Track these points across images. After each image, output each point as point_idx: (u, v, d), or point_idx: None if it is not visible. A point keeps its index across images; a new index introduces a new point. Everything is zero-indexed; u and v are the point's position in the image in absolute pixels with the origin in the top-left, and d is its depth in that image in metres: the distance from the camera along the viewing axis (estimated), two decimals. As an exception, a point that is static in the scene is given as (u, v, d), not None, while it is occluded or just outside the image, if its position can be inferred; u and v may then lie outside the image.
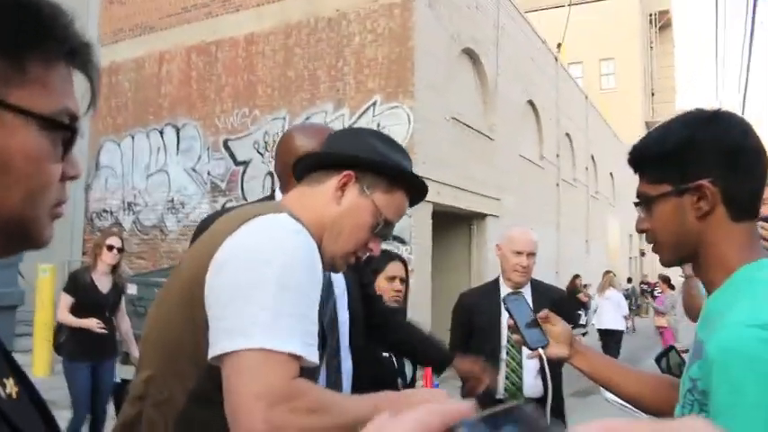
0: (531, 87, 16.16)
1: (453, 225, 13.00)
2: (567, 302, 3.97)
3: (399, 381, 2.84)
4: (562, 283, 13.29)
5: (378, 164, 1.51)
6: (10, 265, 8.16)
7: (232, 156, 12.43)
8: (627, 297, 14.08)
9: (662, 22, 40.34)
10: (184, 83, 13.28)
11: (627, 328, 12.77)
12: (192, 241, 1.84)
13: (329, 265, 1.50)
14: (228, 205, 11.72)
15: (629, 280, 25.73)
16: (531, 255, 3.31)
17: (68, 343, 5.24)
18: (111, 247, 5.40)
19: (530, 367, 3.18)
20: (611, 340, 11.61)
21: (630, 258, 30.29)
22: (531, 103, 16.39)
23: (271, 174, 11.74)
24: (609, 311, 11.86)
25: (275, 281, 1.22)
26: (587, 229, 21.92)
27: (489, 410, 0.32)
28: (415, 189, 1.58)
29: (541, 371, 3.04)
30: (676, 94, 42.22)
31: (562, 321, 1.65)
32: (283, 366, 1.16)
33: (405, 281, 2.97)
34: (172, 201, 13.15)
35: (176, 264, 1.54)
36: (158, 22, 13.73)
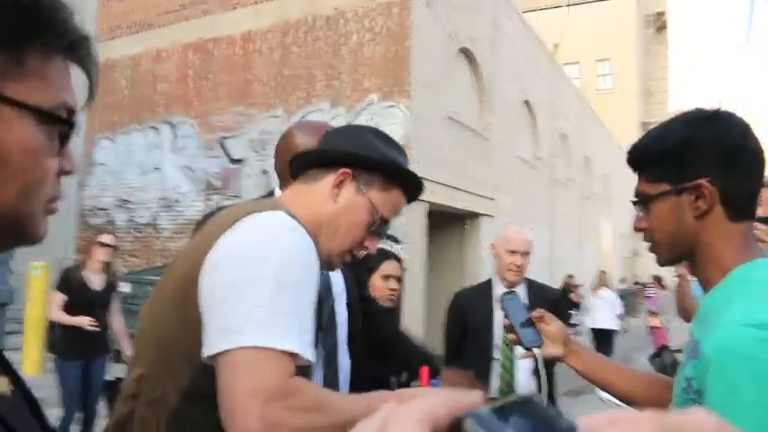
0: (527, 87, 16.17)
1: (447, 224, 13.00)
2: (561, 302, 3.98)
3: (394, 379, 2.84)
4: (555, 284, 13.30)
5: (375, 161, 1.51)
6: (1, 263, 8.12)
7: (227, 154, 12.39)
8: (622, 297, 14.12)
9: (659, 24, 40.43)
10: (181, 80, 13.23)
11: (620, 328, 12.82)
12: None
13: (325, 263, 1.50)
14: (223, 204, 11.71)
15: (624, 280, 25.78)
16: (526, 254, 3.31)
17: (61, 341, 5.22)
18: (103, 245, 5.39)
19: (523, 366, 3.19)
20: (604, 340, 11.65)
21: (623, 259, 30.33)
22: (526, 103, 16.40)
23: (266, 172, 11.72)
24: (602, 311, 11.90)
25: (272, 278, 1.21)
26: (581, 230, 21.95)
27: (499, 401, 0.32)
28: (411, 186, 1.58)
29: (535, 370, 3.05)
30: (669, 96, 42.26)
31: (557, 320, 1.66)
32: (280, 364, 1.16)
33: (400, 280, 2.97)
34: (166, 199, 13.11)
35: (170, 262, 1.53)
36: (156, 19, 13.68)
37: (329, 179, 1.49)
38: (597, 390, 1.58)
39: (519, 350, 1.71)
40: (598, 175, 24.78)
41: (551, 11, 35.22)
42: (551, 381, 3.06)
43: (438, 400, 0.32)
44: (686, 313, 3.50)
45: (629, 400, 1.52)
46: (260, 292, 1.20)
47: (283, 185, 2.05)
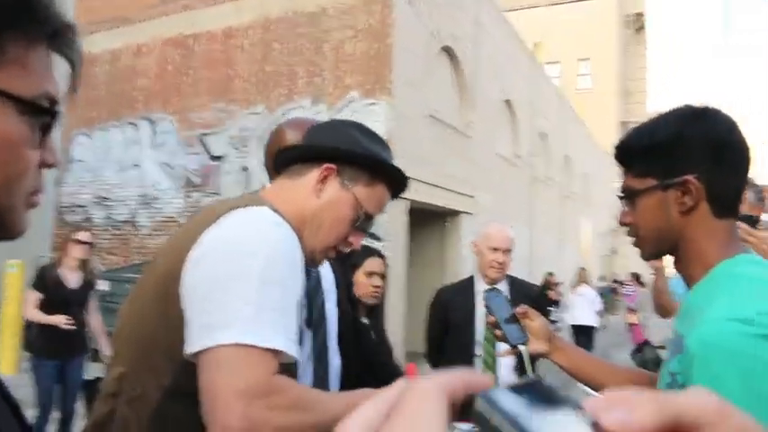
0: (508, 86, 16.24)
1: (428, 222, 13.03)
2: (541, 299, 4.01)
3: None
4: (535, 281, 13.37)
5: (359, 156, 1.50)
6: (-25, 261, 8.00)
7: (207, 151, 12.32)
8: (601, 295, 14.25)
9: (638, 25, 40.78)
10: (160, 76, 13.12)
11: (599, 324, 12.93)
12: None
13: (309, 259, 1.49)
14: (203, 201, 11.65)
15: (603, 278, 26.01)
16: (508, 251, 3.33)
17: (37, 340, 5.15)
18: (79, 242, 5.31)
19: (505, 363, 3.20)
20: (583, 336, 11.74)
21: (602, 257, 30.60)
22: (507, 101, 16.47)
23: (246, 169, 11.67)
24: (582, 308, 12.00)
25: (257, 274, 1.20)
26: (560, 228, 22.11)
27: (509, 384, 0.33)
28: (396, 182, 1.58)
29: (517, 367, 3.06)
30: (647, 96, 42.67)
31: (540, 317, 1.66)
32: (263, 362, 1.15)
33: (384, 277, 2.96)
34: (145, 196, 12.99)
35: (149, 260, 1.51)
36: (135, 13, 13.54)
37: (313, 174, 1.47)
38: (579, 385, 1.58)
39: (501, 347, 1.70)
40: (578, 175, 24.97)
41: (532, 10, 35.41)
42: (534, 377, 3.07)
43: (454, 376, 0.33)
44: (663, 309, 3.53)
45: None
46: (244, 288, 1.19)
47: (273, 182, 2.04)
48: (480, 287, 3.35)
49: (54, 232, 13.12)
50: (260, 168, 11.20)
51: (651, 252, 1.30)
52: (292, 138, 1.97)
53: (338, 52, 10.98)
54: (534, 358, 1.65)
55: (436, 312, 3.51)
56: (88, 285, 5.39)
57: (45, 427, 5.15)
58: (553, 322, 12.95)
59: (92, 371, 5.52)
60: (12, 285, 8.74)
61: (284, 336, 1.19)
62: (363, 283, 2.81)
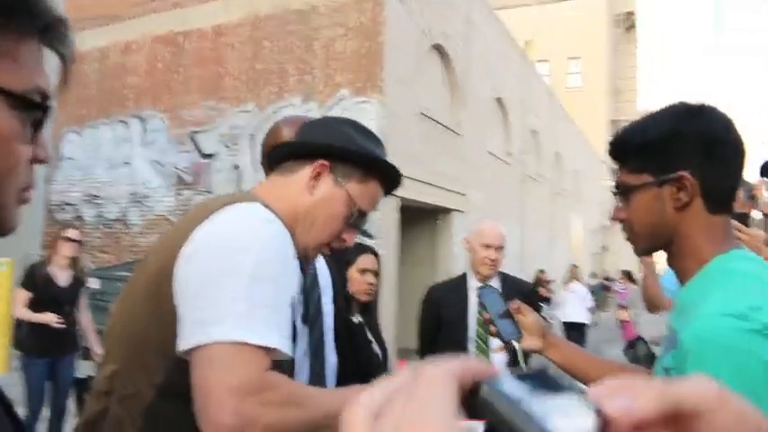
0: (498, 84, 16.26)
1: (419, 220, 13.04)
2: (533, 295, 4.02)
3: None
4: (526, 279, 13.39)
5: (352, 153, 1.49)
6: (-37, 260, 7.92)
7: (198, 148, 12.27)
8: (592, 292, 14.31)
9: (628, 24, 40.92)
10: (150, 74, 13.06)
11: (591, 321, 12.98)
12: None
13: (302, 256, 1.48)
14: (195, 199, 11.61)
15: (594, 275, 26.12)
16: (500, 248, 3.34)
17: (27, 338, 5.12)
18: (68, 240, 5.28)
19: (498, 359, 3.20)
20: (575, 333, 11.78)
21: (593, 254, 30.72)
22: (498, 99, 16.49)
23: (237, 167, 11.63)
24: (573, 304, 12.05)
25: (250, 271, 1.19)
26: (551, 226, 22.17)
27: (513, 372, 0.34)
28: (389, 179, 1.57)
29: (511, 363, 3.06)
30: (638, 95, 42.84)
31: (533, 312, 1.66)
32: (255, 359, 1.14)
33: (377, 274, 2.96)
34: (135, 194, 12.94)
35: (140, 258, 1.50)
36: (124, 11, 13.46)
37: (306, 171, 1.47)
38: (573, 381, 1.58)
39: (493, 343, 1.70)
40: (568, 172, 25.05)
41: (523, 8, 35.47)
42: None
43: (461, 363, 0.33)
44: (652, 303, 3.52)
45: None
46: (237, 284, 1.18)
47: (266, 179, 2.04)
48: (473, 284, 3.35)
49: (44, 230, 13.04)
50: (251, 166, 11.18)
51: (645, 248, 1.31)
52: (288, 135, 1.97)
53: (329, 50, 10.96)
54: (527, 354, 1.65)
55: (429, 309, 3.51)
56: (78, 283, 5.36)
57: (36, 425, 5.12)
58: (544, 320, 13.01)
59: (83, 369, 5.49)
60: (1, 284, 8.68)
61: (277, 333, 1.19)
62: (357, 280, 2.81)
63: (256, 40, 11.72)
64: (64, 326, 5.03)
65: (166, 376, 1.25)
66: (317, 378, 1.95)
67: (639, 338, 2.11)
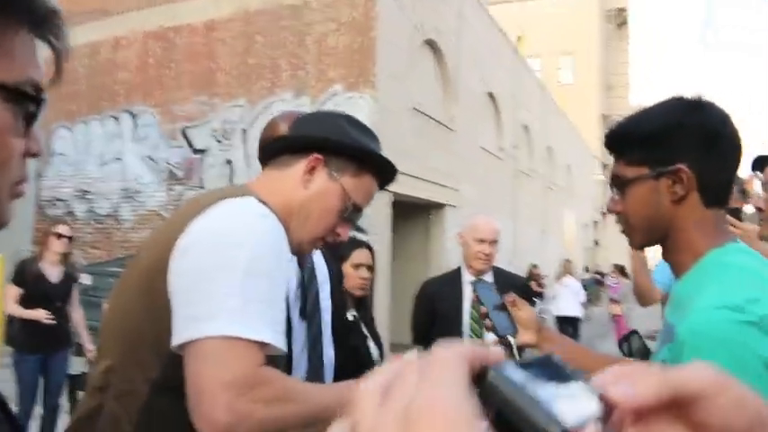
0: (490, 79, 16.27)
1: (412, 215, 13.04)
2: (528, 290, 4.03)
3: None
4: (519, 273, 13.43)
5: (347, 147, 1.48)
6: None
7: (190, 144, 12.23)
8: (585, 287, 14.37)
9: (620, 19, 40.98)
10: (141, 69, 12.99)
11: (583, 315, 13.04)
12: None
13: (296, 251, 1.48)
14: (186, 194, 11.58)
15: (587, 269, 26.21)
16: (494, 243, 3.34)
17: (19, 335, 5.10)
18: (59, 236, 5.26)
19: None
20: (568, 327, 11.83)
21: (585, 249, 30.82)
22: (490, 94, 16.50)
23: (229, 162, 11.60)
24: (567, 299, 12.09)
25: (244, 265, 1.19)
26: (544, 220, 22.23)
27: (519, 360, 0.35)
28: (384, 172, 1.57)
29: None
30: (630, 90, 42.94)
31: (528, 306, 1.66)
32: (249, 354, 1.14)
33: (371, 268, 2.96)
34: (127, 189, 12.88)
35: (132, 254, 1.49)
36: (115, 6, 13.36)
37: (300, 165, 1.46)
38: (577, 369, 1.58)
39: (488, 337, 1.70)
40: (561, 167, 25.10)
41: (515, 4, 35.47)
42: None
43: (470, 347, 0.34)
44: (643, 295, 3.52)
45: None
46: (230, 279, 1.18)
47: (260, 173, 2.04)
48: (467, 278, 3.35)
49: (35, 226, 12.99)
50: (243, 161, 11.15)
51: (641, 241, 1.30)
52: (285, 130, 1.96)
53: (321, 45, 10.93)
54: (522, 349, 1.65)
55: (423, 304, 3.50)
56: (69, 279, 5.34)
57: (28, 422, 5.10)
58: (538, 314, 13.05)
59: (75, 365, 5.47)
60: (-8, 280, 8.63)
61: (270, 328, 1.19)
62: (351, 275, 2.81)
63: (248, 35, 11.68)
64: (54, 322, 5.01)
65: (161, 371, 1.25)
66: (315, 373, 1.94)
67: (634, 332, 2.11)
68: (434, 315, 3.38)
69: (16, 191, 0.71)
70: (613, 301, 13.00)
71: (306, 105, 10.61)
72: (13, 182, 0.70)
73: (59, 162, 13.84)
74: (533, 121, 20.80)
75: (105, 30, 13.44)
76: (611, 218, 1.36)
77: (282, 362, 1.35)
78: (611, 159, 1.34)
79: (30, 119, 0.70)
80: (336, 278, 2.24)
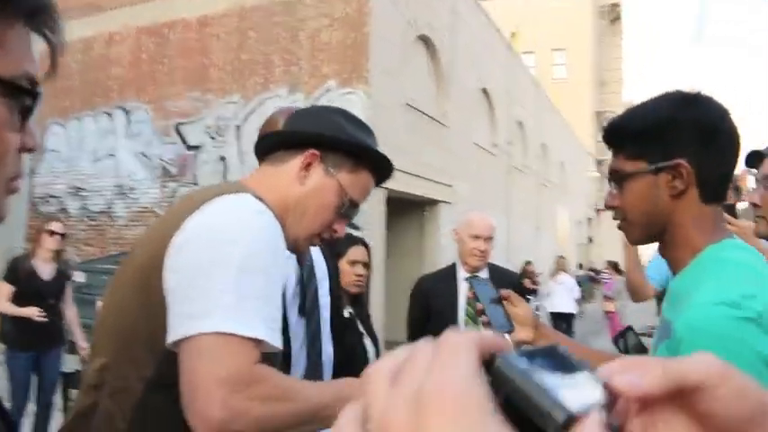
0: (484, 75, 16.27)
1: (406, 211, 13.03)
2: (522, 287, 4.03)
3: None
4: (513, 270, 13.45)
5: (343, 142, 1.48)
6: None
7: (183, 140, 12.18)
8: (579, 284, 14.41)
9: (613, 15, 41.02)
10: (134, 65, 12.93)
11: (577, 312, 13.08)
12: None
13: (292, 247, 1.47)
14: (180, 191, 11.54)
15: (581, 266, 26.27)
16: (489, 239, 3.33)
17: (11, 332, 5.08)
18: (52, 233, 5.24)
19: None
20: (563, 323, 11.86)
21: (578, 245, 30.89)
22: (484, 90, 16.50)
23: (223, 158, 11.57)
24: (561, 295, 12.12)
25: (239, 262, 1.18)
26: (537, 217, 22.26)
27: (526, 348, 0.36)
28: (380, 168, 1.56)
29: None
30: (623, 86, 43.00)
31: (524, 303, 1.66)
32: (244, 351, 1.13)
33: (367, 265, 2.96)
34: (120, 186, 12.83)
35: (126, 251, 1.49)
36: (108, 1, 13.30)
37: (296, 161, 1.45)
38: (582, 359, 1.58)
39: None
40: (554, 163, 25.14)
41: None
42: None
43: (480, 335, 0.34)
44: (635, 290, 3.52)
45: None
46: (226, 276, 1.17)
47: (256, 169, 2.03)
48: (462, 275, 3.35)
49: (28, 223, 12.93)
50: (237, 158, 11.13)
51: (639, 236, 1.30)
52: None
53: (314, 41, 10.91)
54: (519, 345, 1.65)
55: (418, 300, 3.50)
56: (62, 277, 5.32)
57: (21, 420, 5.08)
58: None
59: (69, 363, 5.45)
60: (-16, 278, 8.59)
61: (266, 325, 1.18)
62: (347, 272, 2.80)
63: (242, 31, 11.64)
64: (47, 319, 4.99)
65: (156, 369, 1.24)
66: (313, 370, 1.94)
67: (629, 328, 2.12)
68: (429, 311, 3.38)
69: (11, 186, 0.71)
70: (607, 298, 13.03)
71: (300, 101, 10.59)
72: (8, 177, 0.69)
73: (52, 159, 13.77)
74: (527, 117, 20.82)
75: (98, 25, 13.37)
76: (605, 215, 1.36)
77: (279, 359, 1.34)
78: (604, 156, 1.33)
79: (25, 113, 0.69)
80: (335, 275, 2.23)
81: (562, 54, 36.99)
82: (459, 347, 0.33)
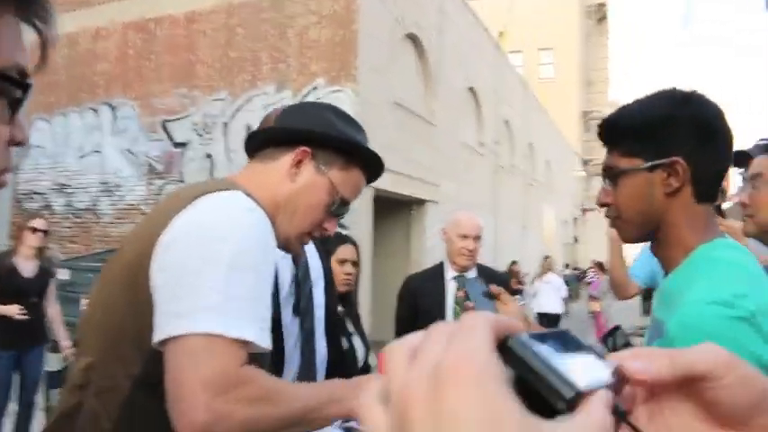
0: (471, 74, 16.29)
1: (392, 211, 13.03)
2: (508, 286, 4.03)
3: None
4: (500, 270, 13.48)
5: (334, 139, 1.46)
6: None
7: (170, 137, 12.11)
8: (566, 282, 14.46)
9: (599, 15, 41.23)
10: (121, 60, 12.84)
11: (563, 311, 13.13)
12: None
13: (283, 246, 1.45)
14: (166, 188, 11.47)
15: (567, 266, 26.38)
16: (478, 238, 3.32)
17: (-7, 331, 5.01)
18: (34, 230, 5.18)
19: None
20: (550, 324, 11.89)
21: (564, 245, 31.04)
22: (471, 89, 16.53)
23: (210, 156, 11.52)
24: (548, 295, 12.15)
25: (228, 261, 1.16)
26: (524, 216, 22.34)
27: (536, 331, 0.37)
28: (371, 166, 1.54)
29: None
30: (609, 86, 43.24)
31: (514, 301, 1.65)
32: (230, 352, 1.11)
33: (356, 264, 2.95)
34: (106, 183, 12.74)
35: (111, 248, 1.46)
36: (95, -4, 13.21)
37: (287, 158, 1.43)
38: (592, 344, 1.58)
39: None
40: (541, 162, 25.23)
41: (496, -2, 35.54)
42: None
43: (494, 316, 0.35)
44: (618, 286, 3.54)
45: None
46: (214, 274, 1.15)
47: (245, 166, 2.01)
48: (450, 275, 3.34)
49: (11, 220, 12.78)
50: (224, 155, 11.07)
51: (632, 234, 1.29)
52: None
53: (303, 38, 10.88)
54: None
55: (405, 300, 3.48)
56: (45, 274, 5.25)
57: (2, 420, 5.02)
58: None
59: (52, 362, 5.39)
60: (-33, 275, 8.48)
61: (254, 325, 1.16)
62: (336, 271, 2.80)
63: (230, 28, 11.59)
64: (27, 317, 4.92)
65: (143, 367, 1.22)
66: (307, 369, 1.92)
67: (617, 327, 2.11)
68: (417, 310, 3.36)
69: (0, 180, 0.69)
70: (592, 297, 13.09)
71: (287, 99, 10.56)
72: None
73: (37, 154, 13.64)
74: (514, 116, 20.88)
75: (85, 20, 13.25)
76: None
77: (268, 359, 1.33)
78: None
79: (15, 106, 0.67)
80: (330, 274, 2.22)
81: (549, 53, 37.14)
82: (475, 326, 0.34)
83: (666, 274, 1.27)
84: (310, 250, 2.05)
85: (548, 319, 12.01)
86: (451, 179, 14.57)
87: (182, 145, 11.93)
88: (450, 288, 3.30)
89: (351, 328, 2.89)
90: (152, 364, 1.18)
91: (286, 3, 11.03)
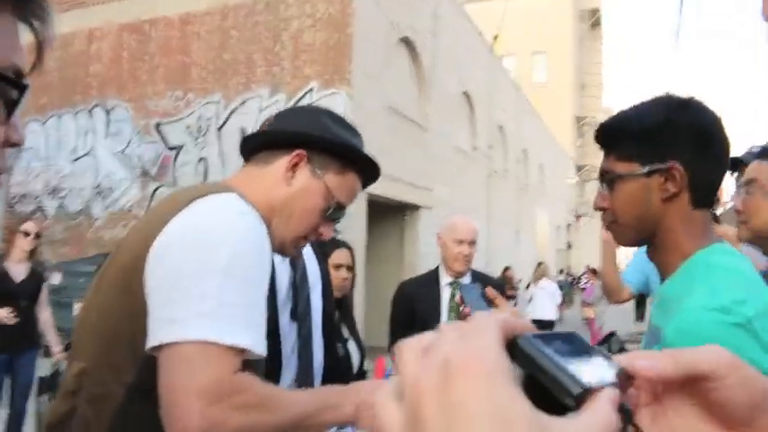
0: (465, 78, 16.31)
1: (386, 216, 13.01)
2: (502, 292, 4.02)
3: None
4: (493, 275, 13.47)
5: (330, 143, 1.45)
6: None
7: (164, 140, 12.07)
8: (561, 288, 14.48)
9: (593, 20, 41.37)
10: (115, 62, 12.79)
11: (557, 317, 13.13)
12: None
13: (278, 250, 1.44)
14: (160, 191, 11.43)
15: (561, 271, 26.40)
16: (473, 243, 3.31)
17: (-18, 335, 4.97)
18: (26, 233, 5.16)
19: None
20: (543, 330, 11.88)
21: (558, 251, 31.07)
22: (465, 94, 16.55)
23: (203, 159, 11.48)
24: (543, 301, 12.14)
25: (223, 266, 1.15)
26: (518, 221, 22.35)
27: (545, 332, 0.38)
28: (367, 170, 1.54)
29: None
30: (603, 91, 43.36)
31: (509, 306, 1.65)
32: (224, 359, 1.10)
33: (351, 269, 2.94)
34: (99, 186, 12.68)
35: (104, 252, 1.45)
36: (90, -3, 13.15)
37: (282, 161, 1.42)
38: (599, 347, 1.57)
39: None
40: (534, 167, 25.27)
41: (489, 3, 35.59)
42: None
43: (504, 317, 0.36)
44: (610, 290, 3.53)
45: None
46: (209, 280, 1.14)
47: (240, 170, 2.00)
48: (445, 280, 3.33)
49: (3, 223, 12.72)
50: (218, 158, 11.04)
51: (630, 238, 1.29)
52: None
53: (297, 41, 10.88)
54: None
55: (401, 305, 3.47)
56: (37, 278, 5.22)
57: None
58: None
59: (44, 367, 5.35)
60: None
61: (249, 331, 1.15)
62: (331, 276, 2.78)
63: (224, 30, 11.57)
64: (17, 321, 4.89)
65: (136, 374, 1.21)
66: (304, 375, 1.91)
67: (612, 334, 2.12)
68: (413, 316, 3.35)
69: None
70: (586, 303, 13.10)
71: (281, 102, 10.56)
72: None
73: (30, 157, 13.55)
74: (508, 121, 20.91)
75: (79, 21, 13.18)
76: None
77: (262, 365, 1.31)
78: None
79: (10, 106, 0.66)
80: (327, 277, 2.20)
81: (542, 57, 37.22)
82: (485, 325, 0.35)
83: (663, 279, 1.26)
84: (308, 253, 2.04)
85: (542, 326, 11.99)
86: (445, 183, 14.57)
87: (175, 148, 11.88)
88: (445, 294, 3.29)
89: (346, 333, 2.88)
90: (146, 370, 1.17)
91: (281, 5, 11.03)
